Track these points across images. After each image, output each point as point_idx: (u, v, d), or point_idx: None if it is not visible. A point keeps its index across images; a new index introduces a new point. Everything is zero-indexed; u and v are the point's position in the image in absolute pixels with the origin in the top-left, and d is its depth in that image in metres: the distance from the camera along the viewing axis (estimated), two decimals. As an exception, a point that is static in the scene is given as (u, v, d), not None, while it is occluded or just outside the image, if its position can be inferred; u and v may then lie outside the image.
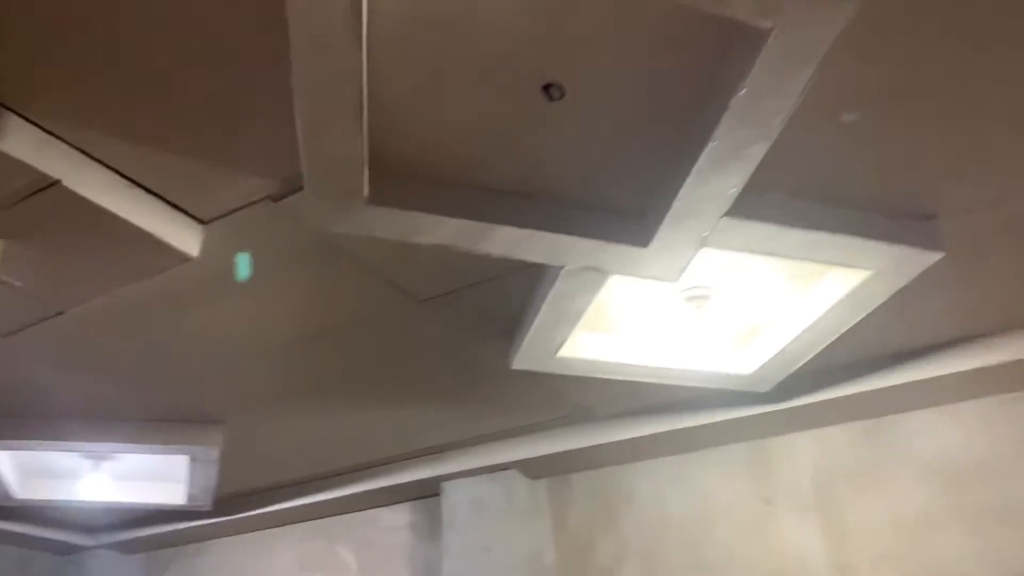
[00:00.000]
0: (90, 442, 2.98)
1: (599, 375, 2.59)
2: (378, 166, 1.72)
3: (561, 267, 2.02)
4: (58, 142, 1.74)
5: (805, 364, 2.52)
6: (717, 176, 1.69)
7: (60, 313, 2.18)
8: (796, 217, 1.91)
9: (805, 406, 2.79)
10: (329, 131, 1.55)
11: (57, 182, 1.72)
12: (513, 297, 2.33)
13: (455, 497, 3.43)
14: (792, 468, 2.95)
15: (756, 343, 2.48)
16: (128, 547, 4.36)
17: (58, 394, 2.85)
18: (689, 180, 1.71)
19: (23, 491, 3.50)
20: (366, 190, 1.72)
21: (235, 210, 1.97)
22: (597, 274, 2.04)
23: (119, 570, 4.40)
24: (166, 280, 2.21)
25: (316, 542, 3.89)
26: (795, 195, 1.91)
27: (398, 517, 3.73)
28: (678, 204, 1.78)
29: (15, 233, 1.86)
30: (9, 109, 1.66)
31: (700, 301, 2.28)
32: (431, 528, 3.56)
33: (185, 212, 1.97)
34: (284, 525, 4.00)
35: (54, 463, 3.37)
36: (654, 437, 3.06)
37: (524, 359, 2.49)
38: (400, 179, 1.79)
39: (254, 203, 1.95)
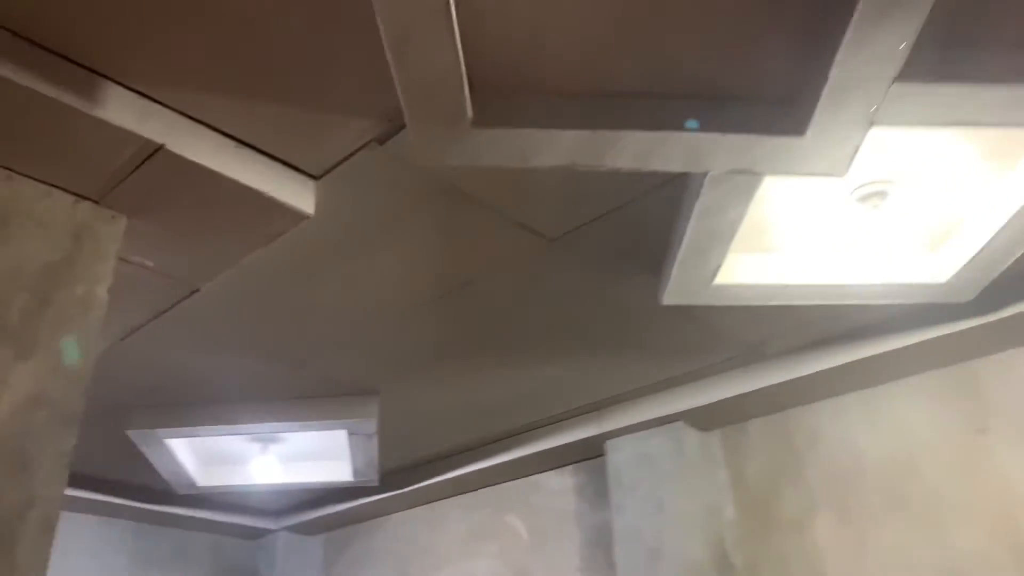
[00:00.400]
0: (253, 424, 3.03)
1: (765, 302, 2.30)
2: (479, 82, 1.54)
3: (705, 174, 1.76)
4: (158, 107, 1.69)
5: (1015, 263, 2.11)
6: (881, 28, 1.38)
7: (195, 291, 2.17)
8: (990, 70, 1.55)
9: (1020, 315, 2.36)
10: (418, 42, 1.38)
11: (161, 147, 1.67)
12: (654, 222, 2.09)
13: (621, 455, 3.23)
14: (1010, 391, 2.52)
15: (951, 244, 2.10)
16: (308, 528, 4.49)
17: (217, 379, 2.91)
18: (846, 40, 1.40)
19: (204, 479, 3.64)
20: (469, 111, 1.55)
21: (344, 159, 1.86)
22: (748, 177, 1.77)
23: (302, 551, 4.54)
24: (292, 244, 2.15)
25: (485, 511, 3.82)
26: (988, 42, 1.55)
27: (564, 481, 3.58)
28: (836, 74, 1.47)
29: (134, 208, 1.83)
30: (106, 77, 1.62)
31: (876, 199, 1.95)
32: (597, 490, 3.39)
33: (295, 168, 1.88)
34: (452, 496, 3.96)
35: (226, 449, 3.47)
36: (838, 370, 2.71)
37: (675, 292, 2.24)
38: (505, 94, 1.60)
39: (361, 149, 1.83)
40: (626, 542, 3.07)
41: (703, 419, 3.10)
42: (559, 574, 3.42)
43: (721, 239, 2.00)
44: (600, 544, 3.31)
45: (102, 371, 2.89)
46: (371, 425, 3.07)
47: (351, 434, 3.16)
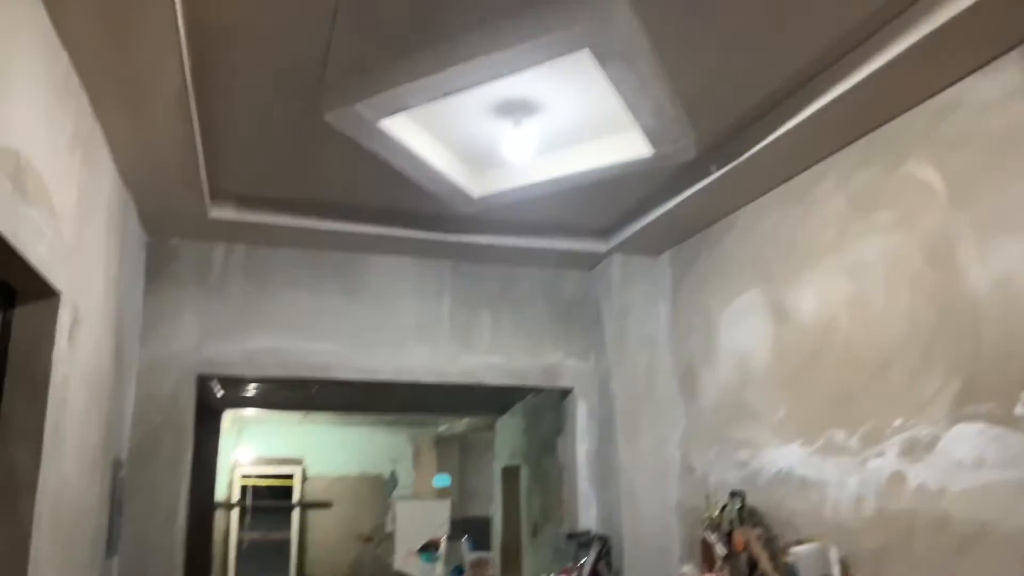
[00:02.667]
0: (458, 67, 2.07)
1: None
2: None
3: None
4: None
5: None
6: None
7: None
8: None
9: None
10: None
11: None
12: None
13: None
14: None
15: None
16: (647, 247, 3.55)
17: (381, 15, 2.01)
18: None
19: (476, 186, 2.88)
20: None
21: None
22: None
23: (644, 274, 3.65)
24: None
25: (872, 169, 2.43)
26: None
27: (1004, 79, 2.01)
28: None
29: None
30: None
31: None
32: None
33: None
34: (819, 161, 2.63)
35: (473, 136, 2.62)
36: None
37: None
38: None
39: None
40: None
41: None
42: (1016, 228, 1.96)
43: None
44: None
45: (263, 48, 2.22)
46: (616, 32, 1.90)
47: (601, 60, 2.02)
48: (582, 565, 3.50)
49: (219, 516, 7.66)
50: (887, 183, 2.35)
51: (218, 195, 3.12)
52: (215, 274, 3.42)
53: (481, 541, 7.00)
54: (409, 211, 3.35)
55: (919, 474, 2.17)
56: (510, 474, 6.33)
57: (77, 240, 2.18)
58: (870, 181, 2.42)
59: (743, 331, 3.03)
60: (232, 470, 7.80)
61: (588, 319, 3.85)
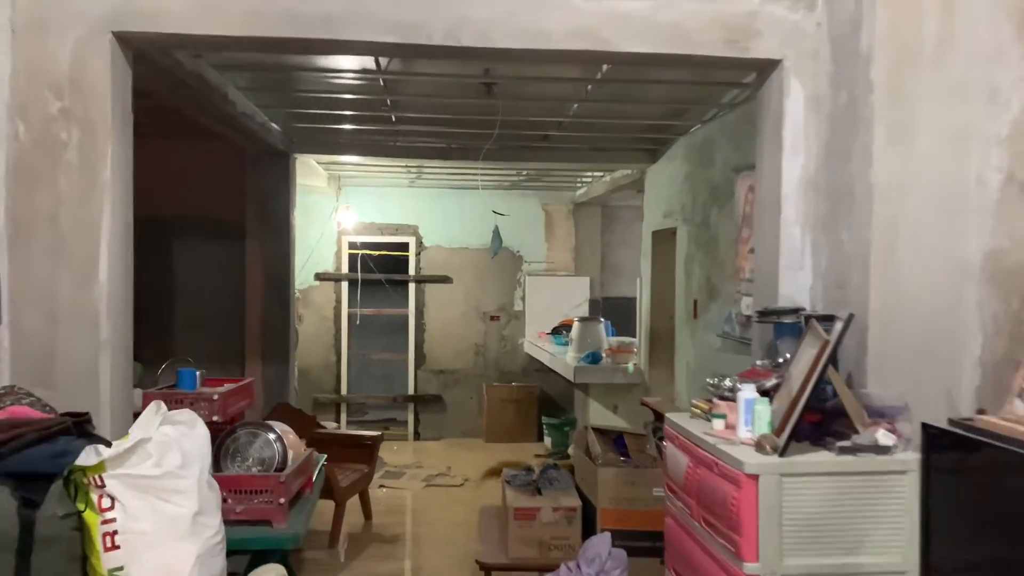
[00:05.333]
0: None
1: None
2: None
3: None
4: None
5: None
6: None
7: None
8: None
9: None
10: None
11: None
12: None
13: None
14: None
15: None
16: None
17: None
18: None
19: None
20: None
21: None
22: None
23: None
24: None
25: None
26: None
27: None
28: None
29: None
30: None
31: None
32: None
33: None
34: None
35: None
36: None
37: None
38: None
39: None
40: None
41: None
42: None
43: None
44: None
45: None
46: None
47: None
48: (782, 363, 2.01)
49: (326, 288, 6.79)
50: None
51: None
52: None
53: (623, 325, 5.79)
54: None
55: None
56: (663, 239, 4.83)
57: None
58: None
59: None
60: (337, 238, 6.77)
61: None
